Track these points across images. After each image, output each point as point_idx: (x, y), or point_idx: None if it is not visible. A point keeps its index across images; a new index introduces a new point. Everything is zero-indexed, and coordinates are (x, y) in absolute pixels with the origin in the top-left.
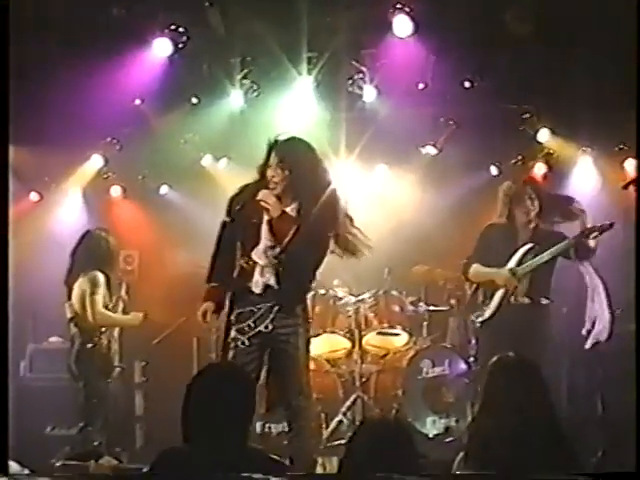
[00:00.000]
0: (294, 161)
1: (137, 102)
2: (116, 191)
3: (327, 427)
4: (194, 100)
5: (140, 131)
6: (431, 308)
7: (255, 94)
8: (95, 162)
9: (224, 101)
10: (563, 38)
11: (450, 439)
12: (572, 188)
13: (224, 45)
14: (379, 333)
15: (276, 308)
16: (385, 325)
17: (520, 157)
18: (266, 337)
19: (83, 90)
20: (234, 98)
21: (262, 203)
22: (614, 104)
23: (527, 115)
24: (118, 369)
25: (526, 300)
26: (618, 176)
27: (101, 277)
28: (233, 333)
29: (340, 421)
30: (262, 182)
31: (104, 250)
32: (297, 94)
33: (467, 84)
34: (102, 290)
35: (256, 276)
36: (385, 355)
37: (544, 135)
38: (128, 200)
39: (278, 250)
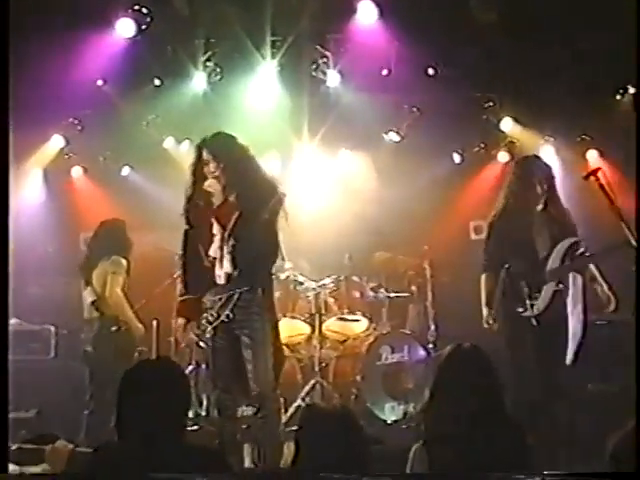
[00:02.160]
0: (225, 154)
1: (99, 83)
2: (77, 172)
3: (286, 412)
4: (157, 82)
5: (102, 112)
6: (391, 295)
7: (218, 77)
8: (56, 142)
9: (187, 83)
10: (527, 27)
11: (408, 425)
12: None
13: (188, 27)
14: (339, 319)
15: (235, 296)
16: (345, 311)
17: (483, 145)
18: (229, 325)
19: (44, 70)
20: (197, 80)
21: (208, 189)
22: (578, 94)
23: (490, 104)
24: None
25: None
26: (580, 166)
27: (124, 261)
28: (203, 322)
29: (299, 406)
30: (199, 181)
31: (122, 238)
32: (260, 78)
33: (431, 71)
34: (124, 273)
35: (217, 270)
36: (345, 341)
37: (507, 124)
38: (89, 181)
39: (227, 238)
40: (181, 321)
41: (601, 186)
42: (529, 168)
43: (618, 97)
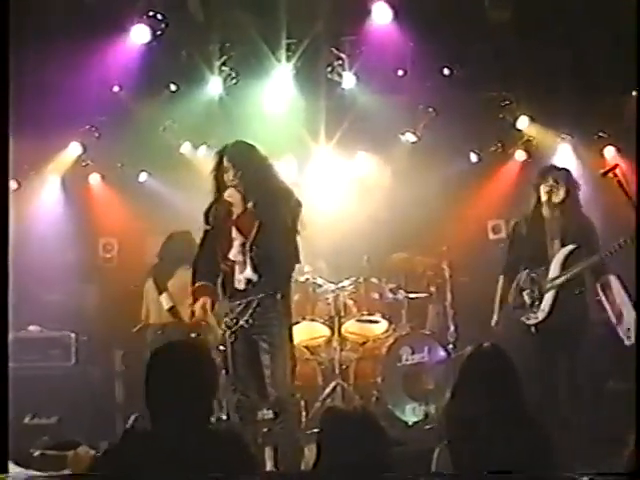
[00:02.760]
0: (244, 162)
1: (115, 89)
2: (95, 179)
3: (307, 414)
4: (172, 87)
5: (118, 118)
6: (410, 295)
7: (234, 81)
8: (74, 150)
9: (203, 88)
10: (542, 25)
11: (429, 426)
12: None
13: (203, 32)
14: (358, 320)
15: (255, 302)
16: (364, 312)
17: (500, 144)
18: (248, 330)
19: (61, 78)
20: (213, 85)
21: (228, 199)
22: (594, 92)
23: (506, 102)
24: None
25: None
26: (598, 163)
27: None
28: (223, 327)
29: (319, 408)
30: (221, 188)
31: (192, 248)
32: (276, 81)
33: (446, 71)
34: None
35: (237, 274)
36: (364, 343)
37: (523, 122)
38: (107, 188)
39: (249, 246)
40: (202, 300)
41: (619, 183)
42: (546, 175)
43: (634, 94)
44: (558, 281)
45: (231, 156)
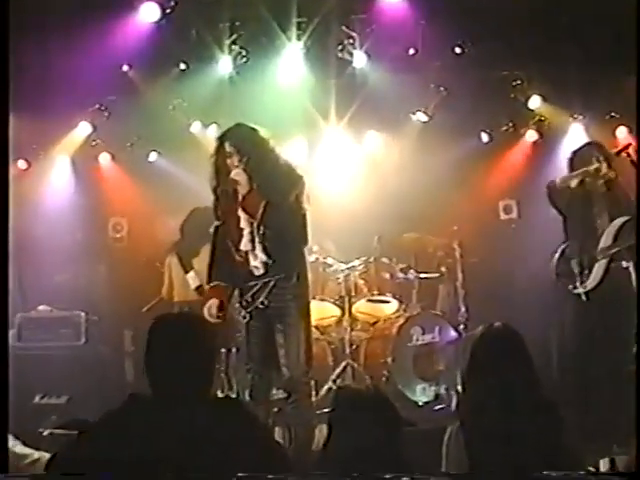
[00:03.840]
0: (247, 145)
1: (125, 68)
2: (105, 158)
3: (317, 394)
4: (182, 66)
5: (128, 98)
6: (421, 275)
7: (244, 60)
8: (83, 129)
9: (213, 67)
10: (555, 4)
11: (440, 407)
12: (563, 156)
13: (212, 10)
14: (369, 300)
15: (271, 283)
16: (375, 292)
17: (511, 124)
18: (264, 311)
19: (70, 57)
20: (223, 64)
21: (235, 177)
22: (605, 72)
23: (518, 82)
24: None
25: None
26: (610, 143)
27: None
28: (237, 306)
29: (330, 388)
30: (222, 173)
31: None
32: (286, 60)
33: (458, 50)
34: None
35: (252, 262)
36: (375, 322)
37: (535, 102)
38: (117, 167)
39: (256, 226)
40: (212, 302)
41: (632, 162)
42: (588, 153)
43: None
44: (611, 251)
45: (234, 140)
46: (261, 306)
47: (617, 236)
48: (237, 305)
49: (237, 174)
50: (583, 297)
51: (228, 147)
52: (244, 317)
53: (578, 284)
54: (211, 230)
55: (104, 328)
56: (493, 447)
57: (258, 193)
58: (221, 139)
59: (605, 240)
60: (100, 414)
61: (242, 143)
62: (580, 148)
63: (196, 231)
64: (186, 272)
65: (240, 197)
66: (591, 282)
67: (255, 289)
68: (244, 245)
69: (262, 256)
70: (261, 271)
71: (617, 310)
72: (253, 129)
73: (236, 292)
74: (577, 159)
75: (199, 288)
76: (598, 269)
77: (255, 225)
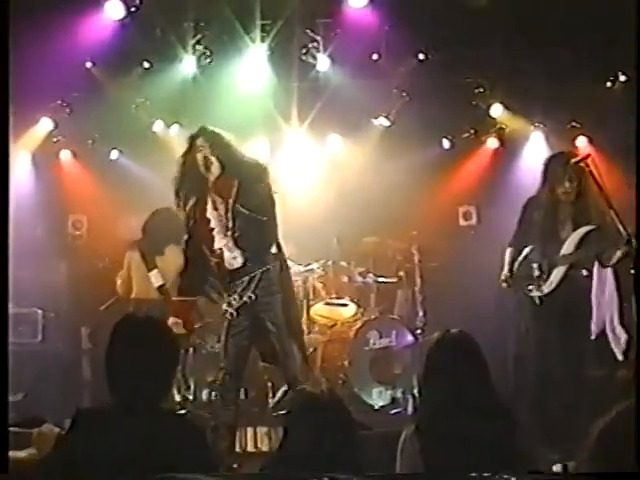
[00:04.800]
0: (220, 141)
1: (88, 65)
2: (66, 155)
3: (273, 396)
4: (146, 64)
5: (91, 95)
6: (380, 279)
7: (208, 60)
8: (44, 125)
9: (176, 66)
10: (518, 13)
11: (396, 410)
12: (524, 164)
13: (177, 9)
14: (327, 304)
15: (257, 276)
16: (333, 296)
17: (472, 131)
18: (251, 306)
19: (32, 52)
20: (186, 64)
21: (206, 158)
22: (567, 82)
23: (480, 89)
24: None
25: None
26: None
27: None
28: (224, 307)
29: (286, 391)
30: (190, 171)
31: (177, 227)
32: (250, 62)
33: (421, 56)
34: None
35: (228, 257)
36: (333, 326)
37: (497, 110)
38: (78, 164)
39: (231, 207)
40: (172, 320)
41: (590, 172)
42: (560, 162)
43: (608, 84)
44: (572, 258)
45: (205, 137)
46: (248, 301)
47: (579, 244)
48: (224, 306)
49: (208, 161)
50: (537, 300)
51: (200, 142)
52: (230, 315)
53: (534, 287)
54: (182, 242)
55: (61, 325)
56: (448, 451)
57: (230, 174)
58: (192, 137)
59: (567, 247)
60: (56, 413)
61: (213, 138)
62: (555, 155)
63: (160, 230)
64: (149, 270)
65: (211, 183)
66: (547, 287)
67: (242, 286)
68: (218, 242)
69: (234, 251)
70: (239, 263)
71: (570, 316)
72: (217, 131)
73: (215, 295)
74: (550, 167)
75: (161, 287)
76: (556, 275)
77: (230, 205)
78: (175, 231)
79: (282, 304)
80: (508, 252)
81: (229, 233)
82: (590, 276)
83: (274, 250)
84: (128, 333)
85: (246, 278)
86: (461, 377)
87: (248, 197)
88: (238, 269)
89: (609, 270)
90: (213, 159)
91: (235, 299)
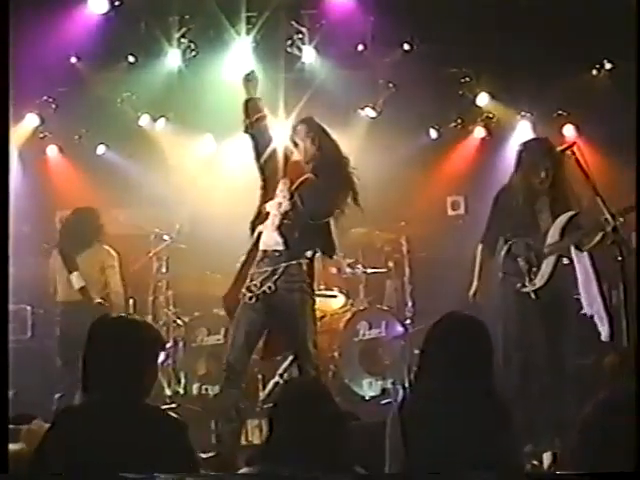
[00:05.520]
0: (317, 127)
1: (73, 60)
2: (52, 151)
3: (264, 389)
4: (131, 59)
5: (76, 90)
6: (369, 270)
7: (193, 54)
8: (31, 121)
9: (161, 60)
10: (502, 1)
11: (386, 401)
12: (511, 153)
13: (162, 3)
14: (316, 295)
15: (280, 269)
16: (322, 287)
17: (459, 121)
18: (271, 297)
19: (17, 48)
20: (172, 57)
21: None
22: (553, 70)
23: (467, 79)
24: None
25: None
26: (557, 141)
27: (115, 253)
28: (244, 290)
29: (277, 383)
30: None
31: (97, 225)
32: (235, 54)
33: (406, 46)
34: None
35: (267, 237)
36: (322, 317)
37: (483, 99)
38: (64, 160)
39: (288, 195)
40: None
41: (577, 160)
42: (535, 149)
43: (594, 72)
44: (560, 246)
45: (305, 122)
46: (268, 291)
47: (564, 231)
48: (243, 290)
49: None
50: (532, 295)
51: (299, 126)
52: (249, 299)
53: (527, 282)
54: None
55: (50, 321)
56: (444, 435)
57: (307, 166)
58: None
59: (552, 235)
60: (46, 410)
61: (313, 123)
62: (529, 142)
63: (79, 231)
64: (69, 272)
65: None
66: (540, 280)
67: (265, 275)
68: (269, 206)
69: (277, 237)
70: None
71: (565, 307)
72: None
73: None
74: (525, 153)
75: (82, 289)
76: (547, 266)
77: (287, 191)
78: (95, 230)
79: (300, 296)
80: (479, 252)
81: (279, 214)
82: (572, 263)
83: (309, 254)
84: (104, 332)
85: (270, 269)
86: (460, 364)
87: (307, 193)
88: (269, 255)
89: (586, 254)
90: (304, 143)
91: (256, 285)
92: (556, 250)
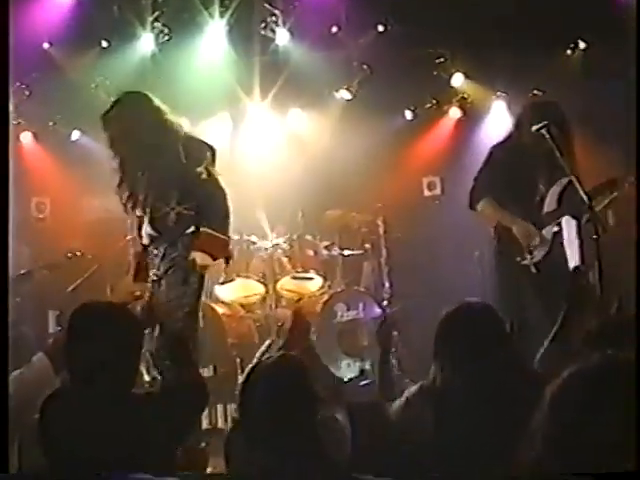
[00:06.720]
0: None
1: (45, 46)
2: (26, 137)
3: (242, 372)
4: (104, 43)
5: (49, 76)
6: (345, 252)
7: (166, 37)
8: None
9: (135, 44)
10: None
11: (365, 382)
12: (486, 133)
13: None
14: (293, 277)
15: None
16: (299, 269)
17: (435, 101)
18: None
19: None
20: (145, 41)
21: None
22: (529, 49)
23: (441, 59)
24: None
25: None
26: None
27: None
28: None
29: (254, 367)
30: None
31: None
32: (209, 38)
33: (380, 28)
34: None
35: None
36: (299, 299)
37: (458, 79)
38: (39, 146)
39: None
40: None
41: (552, 139)
42: (540, 111)
43: (569, 52)
44: (556, 215)
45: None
46: (154, 278)
47: (561, 199)
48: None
49: None
50: (532, 269)
51: None
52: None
53: (526, 254)
54: None
55: (28, 309)
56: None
57: None
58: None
59: (549, 204)
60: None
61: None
62: (537, 102)
63: None
64: None
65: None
66: (540, 251)
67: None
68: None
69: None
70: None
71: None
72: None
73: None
74: (531, 111)
75: None
76: (546, 236)
77: None
78: None
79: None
80: (489, 206)
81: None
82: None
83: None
84: (86, 320)
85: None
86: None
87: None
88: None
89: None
90: None
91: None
92: (553, 219)
